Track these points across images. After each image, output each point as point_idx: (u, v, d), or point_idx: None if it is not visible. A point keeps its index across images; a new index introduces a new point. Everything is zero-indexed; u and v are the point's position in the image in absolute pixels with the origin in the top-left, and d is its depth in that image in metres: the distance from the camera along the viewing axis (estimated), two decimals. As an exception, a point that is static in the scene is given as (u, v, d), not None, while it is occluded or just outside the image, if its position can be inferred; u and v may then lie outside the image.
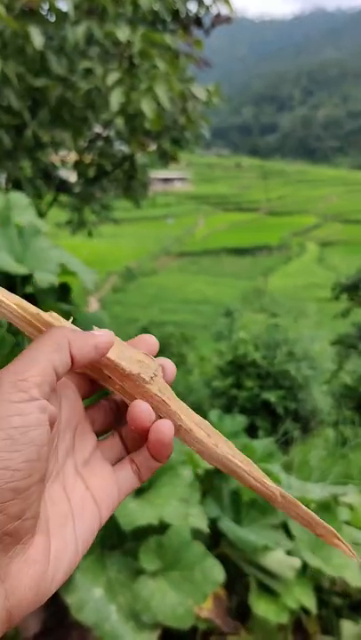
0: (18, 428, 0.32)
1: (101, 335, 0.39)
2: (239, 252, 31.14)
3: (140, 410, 0.40)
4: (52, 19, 3.26)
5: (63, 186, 4.86)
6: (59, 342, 0.36)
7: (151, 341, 0.44)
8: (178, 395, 0.43)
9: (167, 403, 0.41)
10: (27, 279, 1.49)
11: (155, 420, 0.40)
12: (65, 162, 4.87)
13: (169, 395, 0.42)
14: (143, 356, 0.42)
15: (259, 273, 26.28)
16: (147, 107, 3.04)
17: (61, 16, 3.18)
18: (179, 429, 0.42)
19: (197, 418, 0.43)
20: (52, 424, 0.35)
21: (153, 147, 4.43)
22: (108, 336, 0.40)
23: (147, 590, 1.38)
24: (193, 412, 0.43)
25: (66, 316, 0.44)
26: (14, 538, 0.32)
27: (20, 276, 1.44)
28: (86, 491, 0.39)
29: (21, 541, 0.33)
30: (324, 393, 6.10)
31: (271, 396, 5.48)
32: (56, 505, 0.37)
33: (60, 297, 1.69)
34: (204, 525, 1.57)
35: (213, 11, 3.91)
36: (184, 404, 0.43)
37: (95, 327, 0.41)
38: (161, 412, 0.41)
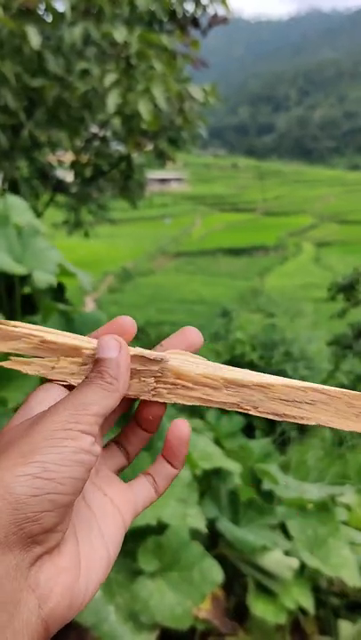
0: (69, 448, 0.34)
1: (120, 354, 0.40)
2: (236, 252, 31.12)
3: (183, 429, 0.43)
4: (49, 19, 3.25)
5: (60, 186, 4.85)
6: (110, 390, 0.38)
7: (128, 323, 0.43)
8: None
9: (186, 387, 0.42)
10: (25, 279, 1.48)
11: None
12: (62, 162, 4.86)
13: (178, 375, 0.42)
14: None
15: (255, 273, 26.26)
16: (143, 108, 3.03)
17: (58, 16, 3.18)
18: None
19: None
20: (97, 456, 0.36)
21: (150, 147, 4.43)
22: (123, 350, 0.40)
23: (145, 591, 1.38)
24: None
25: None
26: (42, 547, 0.33)
27: (18, 275, 1.44)
28: (105, 497, 0.40)
29: (48, 552, 0.33)
30: (320, 393, 6.09)
31: (268, 397, 5.47)
32: (79, 512, 0.38)
33: (57, 296, 1.69)
34: (202, 526, 1.57)
35: (210, 11, 3.91)
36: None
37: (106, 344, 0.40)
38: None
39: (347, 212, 44.45)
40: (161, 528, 1.49)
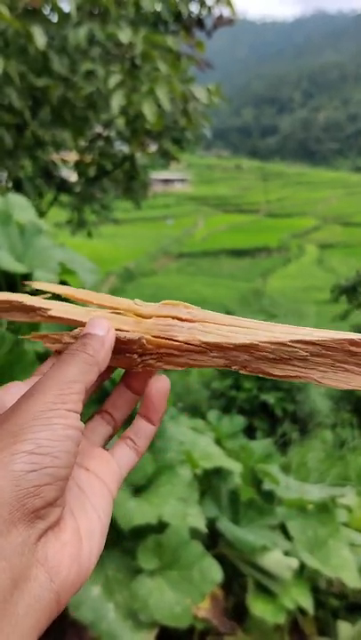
0: (57, 425, 0.35)
1: (107, 333, 0.42)
2: (238, 253, 31.11)
3: (163, 383, 0.44)
4: (55, 18, 3.26)
5: (64, 185, 4.86)
6: (90, 364, 0.39)
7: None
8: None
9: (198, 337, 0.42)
10: (27, 278, 1.49)
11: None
12: (65, 161, 4.87)
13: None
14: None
15: (258, 274, 26.25)
16: (147, 108, 3.04)
17: (63, 16, 3.19)
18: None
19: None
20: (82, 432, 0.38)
21: (153, 147, 4.43)
22: (110, 331, 0.42)
23: (145, 589, 1.38)
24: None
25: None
26: (46, 522, 0.34)
27: (20, 274, 1.44)
28: (88, 472, 0.42)
29: (51, 527, 0.34)
30: (322, 395, 6.10)
31: (270, 398, 5.48)
32: (69, 489, 0.39)
33: (59, 296, 1.69)
34: (202, 525, 1.57)
35: (215, 12, 3.92)
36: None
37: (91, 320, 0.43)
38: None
39: (350, 214, 44.42)
40: (161, 527, 1.49)
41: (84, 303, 0.47)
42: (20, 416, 0.35)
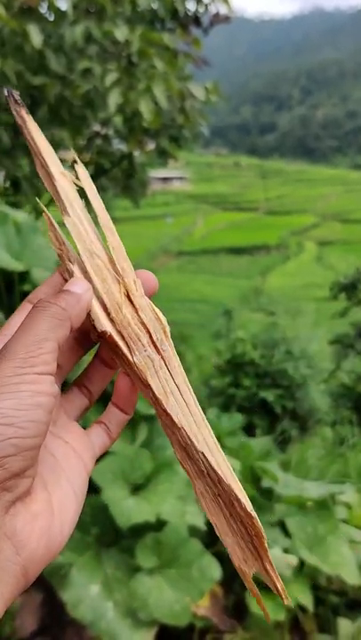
0: (26, 392, 0.33)
1: (84, 292, 0.40)
2: (237, 251, 31.13)
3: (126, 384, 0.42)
4: (51, 17, 3.25)
5: (61, 184, 4.85)
6: (61, 318, 0.37)
7: (151, 278, 0.45)
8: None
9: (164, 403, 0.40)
10: (24, 276, 1.49)
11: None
12: (64, 160, 4.86)
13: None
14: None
15: (257, 272, 26.27)
16: (145, 106, 3.03)
17: (60, 15, 3.18)
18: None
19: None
20: (56, 396, 0.36)
21: (151, 145, 4.42)
22: (89, 292, 0.41)
23: (144, 587, 1.38)
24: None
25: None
26: (13, 494, 0.33)
27: (17, 272, 1.44)
28: (66, 444, 0.40)
29: (20, 499, 0.34)
30: (321, 392, 6.11)
31: (269, 395, 5.48)
32: (43, 461, 0.38)
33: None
34: (200, 523, 1.57)
35: (212, 10, 3.91)
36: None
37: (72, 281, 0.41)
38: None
39: (349, 212, 44.45)
40: (160, 525, 1.49)
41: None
42: None
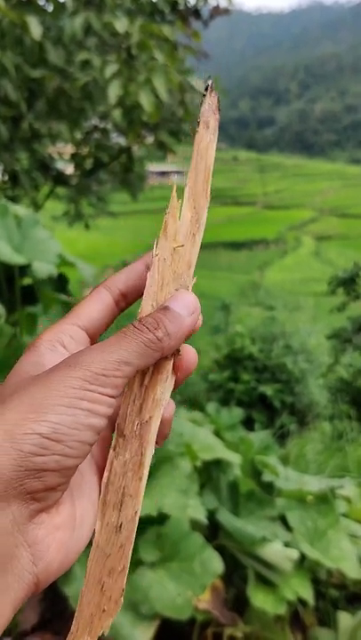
0: (84, 411, 0.32)
1: (190, 316, 0.38)
2: (236, 245, 31.13)
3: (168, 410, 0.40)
4: (50, 9, 3.23)
5: (60, 178, 4.84)
6: (154, 349, 0.36)
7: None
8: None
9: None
10: (25, 269, 1.48)
11: None
12: (62, 154, 4.84)
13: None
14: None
15: (255, 267, 26.28)
16: (145, 99, 3.02)
17: (59, 6, 3.16)
18: None
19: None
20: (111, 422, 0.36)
21: (150, 139, 4.41)
22: (195, 314, 0.39)
23: (145, 581, 1.38)
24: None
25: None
26: (41, 504, 0.32)
27: (18, 265, 1.43)
28: (91, 458, 0.40)
29: (46, 510, 0.33)
30: (320, 387, 6.12)
31: (268, 390, 5.49)
32: (75, 475, 0.37)
33: (58, 287, 1.68)
34: (202, 517, 1.57)
35: (212, 2, 3.90)
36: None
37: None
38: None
39: (347, 206, 44.45)
40: (161, 519, 1.49)
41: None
42: (49, 387, 0.32)
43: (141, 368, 0.35)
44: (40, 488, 0.32)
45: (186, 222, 0.42)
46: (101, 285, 0.41)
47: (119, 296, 0.41)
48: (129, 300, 0.41)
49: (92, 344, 0.40)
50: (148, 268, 0.40)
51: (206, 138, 0.44)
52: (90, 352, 0.34)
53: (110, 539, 0.38)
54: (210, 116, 0.44)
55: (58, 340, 0.38)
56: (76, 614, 0.37)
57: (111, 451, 0.39)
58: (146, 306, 0.39)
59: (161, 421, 0.39)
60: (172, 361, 0.39)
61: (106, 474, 0.39)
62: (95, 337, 0.40)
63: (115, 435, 0.39)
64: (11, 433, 0.31)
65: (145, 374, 0.39)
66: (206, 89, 0.43)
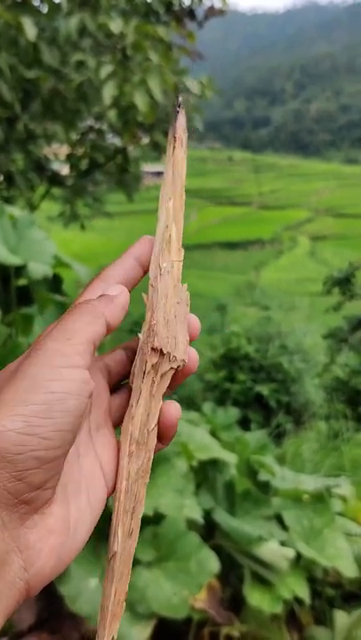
0: (56, 394, 0.31)
1: (119, 293, 0.39)
2: (231, 245, 31.14)
3: (173, 412, 0.41)
4: (45, 9, 3.23)
5: (56, 178, 4.83)
6: (96, 315, 0.36)
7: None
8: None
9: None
10: (21, 270, 1.48)
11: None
12: (57, 154, 4.84)
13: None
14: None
15: (251, 267, 26.29)
16: (140, 99, 3.02)
17: (54, 7, 3.16)
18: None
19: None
20: (90, 396, 0.34)
21: (146, 139, 4.41)
22: (124, 293, 0.40)
23: (142, 581, 1.39)
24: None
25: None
26: (31, 507, 0.31)
27: (14, 266, 1.43)
28: (95, 458, 0.39)
29: (39, 511, 0.32)
30: (316, 386, 6.12)
31: (264, 389, 5.50)
32: (71, 472, 0.36)
33: (52, 288, 1.68)
34: (198, 516, 1.58)
35: (206, 3, 3.90)
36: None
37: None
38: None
39: (342, 206, 44.50)
40: (158, 518, 1.49)
41: None
42: (17, 378, 0.32)
43: (96, 334, 0.35)
44: (26, 490, 0.30)
45: (174, 239, 0.43)
46: (97, 279, 0.41)
47: None
48: None
49: None
50: (139, 263, 0.43)
51: (180, 154, 0.45)
52: (47, 339, 0.34)
53: (125, 546, 0.39)
54: (182, 134, 0.44)
55: None
56: (99, 622, 0.37)
57: (127, 458, 0.39)
58: (159, 317, 0.41)
59: (167, 424, 0.41)
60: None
61: (124, 482, 0.39)
62: None
63: (127, 441, 0.39)
64: None
65: (153, 384, 0.40)
66: (179, 106, 0.44)
